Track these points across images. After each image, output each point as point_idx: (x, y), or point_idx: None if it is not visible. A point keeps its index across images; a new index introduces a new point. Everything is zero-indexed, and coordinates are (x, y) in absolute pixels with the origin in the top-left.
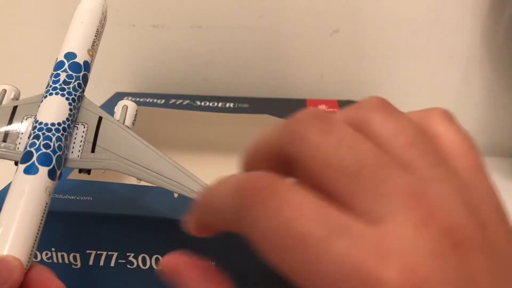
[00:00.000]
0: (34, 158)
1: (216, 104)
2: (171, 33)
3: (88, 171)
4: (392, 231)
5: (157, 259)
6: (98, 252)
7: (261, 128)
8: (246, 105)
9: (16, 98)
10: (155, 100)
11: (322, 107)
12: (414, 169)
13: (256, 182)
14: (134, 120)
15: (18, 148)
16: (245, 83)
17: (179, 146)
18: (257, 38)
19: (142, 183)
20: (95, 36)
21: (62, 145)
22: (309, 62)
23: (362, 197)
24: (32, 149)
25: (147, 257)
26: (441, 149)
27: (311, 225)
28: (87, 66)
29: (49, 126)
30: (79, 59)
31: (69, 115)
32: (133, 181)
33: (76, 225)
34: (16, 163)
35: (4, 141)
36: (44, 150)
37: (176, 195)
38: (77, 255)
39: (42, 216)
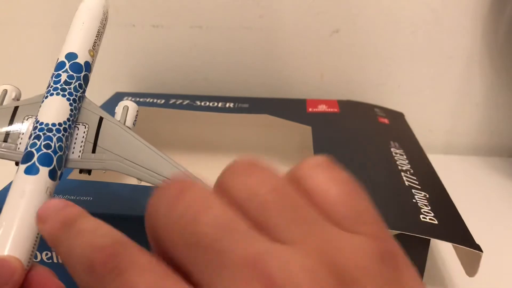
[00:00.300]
0: (35, 159)
1: (216, 104)
2: (171, 33)
3: (89, 172)
4: None
5: None
6: None
7: (261, 128)
8: (246, 105)
9: (17, 98)
10: (155, 100)
11: (322, 107)
12: (269, 230)
13: (106, 258)
14: (135, 120)
15: (18, 148)
16: (245, 83)
17: (179, 146)
18: (257, 38)
19: (143, 183)
20: (96, 36)
21: (63, 145)
22: (309, 62)
23: (201, 271)
24: (33, 150)
25: None
26: (310, 203)
27: None
28: (88, 66)
29: (50, 126)
30: (80, 60)
31: (70, 115)
32: (133, 181)
33: None
34: (16, 163)
35: (5, 141)
36: (45, 150)
37: None
38: None
39: None
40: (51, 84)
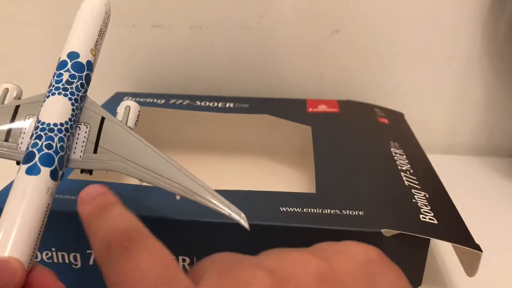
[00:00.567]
0: (36, 159)
1: (216, 104)
2: (171, 33)
3: (90, 172)
4: None
5: None
6: None
7: (261, 128)
8: (246, 105)
9: (18, 97)
10: (155, 100)
11: (322, 107)
12: None
13: (122, 240)
14: (137, 120)
15: (20, 148)
16: (245, 83)
17: (179, 146)
18: (257, 38)
19: (144, 183)
20: (98, 35)
21: (65, 145)
22: (309, 62)
23: None
24: (34, 150)
25: None
26: None
27: None
28: (90, 65)
29: (52, 126)
30: (82, 59)
31: (72, 115)
32: (134, 181)
33: (76, 225)
34: (17, 163)
35: (6, 140)
36: (46, 150)
37: (178, 198)
38: (77, 255)
39: (44, 217)
40: (53, 83)
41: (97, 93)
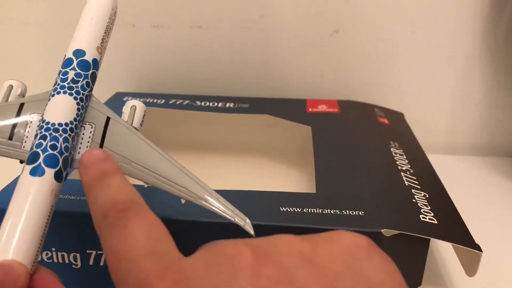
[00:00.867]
0: (41, 160)
1: (216, 104)
2: (171, 33)
3: None
4: None
5: None
6: (98, 252)
7: (261, 128)
8: (246, 105)
9: (23, 94)
10: (155, 100)
11: (322, 107)
12: None
13: (119, 210)
14: (142, 121)
15: (24, 147)
16: (245, 83)
17: (179, 146)
18: (257, 38)
19: (148, 185)
20: (105, 33)
21: (69, 146)
22: (309, 62)
23: None
24: (39, 150)
25: None
26: None
27: None
28: (96, 64)
29: (56, 126)
30: (88, 57)
31: (77, 115)
32: (136, 182)
33: (76, 225)
34: (21, 161)
35: (10, 139)
36: (50, 151)
37: (183, 201)
38: (77, 255)
39: (48, 219)
40: (58, 81)
41: (97, 93)
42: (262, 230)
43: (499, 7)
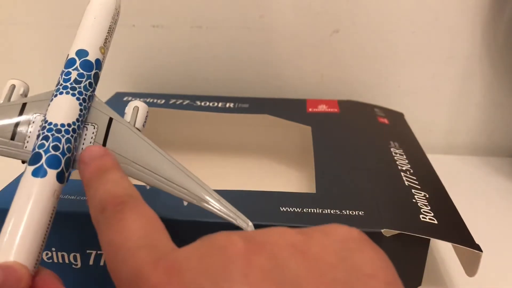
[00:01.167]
0: (43, 160)
1: (216, 104)
2: (171, 33)
3: None
4: None
5: None
6: (98, 252)
7: (261, 128)
8: (246, 105)
9: (25, 94)
10: (155, 100)
11: (322, 107)
12: None
13: (116, 204)
14: (145, 122)
15: (26, 147)
16: (245, 83)
17: (179, 146)
18: (257, 38)
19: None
20: (108, 33)
21: (72, 146)
22: (309, 62)
23: None
24: (41, 151)
25: None
26: None
27: None
28: (98, 64)
29: (59, 127)
30: (91, 57)
31: (79, 115)
32: (135, 181)
33: (76, 225)
34: (23, 162)
35: (12, 139)
36: (53, 152)
37: (185, 203)
38: (77, 255)
39: (50, 220)
40: (61, 82)
41: (97, 93)
42: None
43: (499, 7)
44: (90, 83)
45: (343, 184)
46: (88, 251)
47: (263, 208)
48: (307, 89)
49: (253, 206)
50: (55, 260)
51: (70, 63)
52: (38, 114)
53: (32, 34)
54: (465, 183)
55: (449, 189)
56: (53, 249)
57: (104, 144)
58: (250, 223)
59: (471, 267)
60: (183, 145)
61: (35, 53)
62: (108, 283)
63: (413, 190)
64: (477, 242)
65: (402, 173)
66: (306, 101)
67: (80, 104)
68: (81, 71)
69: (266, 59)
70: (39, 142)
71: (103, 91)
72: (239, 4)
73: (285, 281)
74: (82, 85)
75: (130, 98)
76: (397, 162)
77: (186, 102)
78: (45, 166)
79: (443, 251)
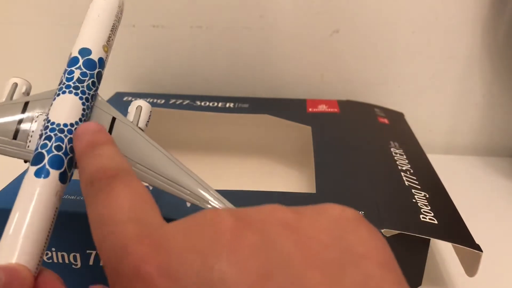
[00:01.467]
0: (46, 161)
1: (216, 104)
2: (171, 33)
3: None
4: None
5: None
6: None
7: (261, 128)
8: (246, 105)
9: (28, 92)
10: (155, 100)
11: (322, 107)
12: None
13: (105, 177)
14: (148, 121)
15: (28, 147)
16: (245, 83)
17: (179, 146)
18: (257, 38)
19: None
20: (111, 31)
21: None
22: (309, 62)
23: None
24: (44, 151)
25: None
26: None
27: None
28: (102, 63)
29: (62, 127)
30: (94, 56)
31: (82, 115)
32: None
33: (76, 225)
34: (25, 161)
35: (14, 138)
36: (55, 152)
37: (188, 205)
38: (77, 255)
39: (52, 221)
40: (64, 81)
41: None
42: None
43: (499, 7)
44: (93, 82)
45: (343, 184)
46: (88, 251)
47: None
48: (307, 89)
49: (253, 206)
50: (55, 260)
51: (73, 61)
52: (41, 113)
53: (32, 34)
54: (465, 183)
55: (449, 189)
56: (53, 249)
57: None
58: None
59: (471, 267)
60: (183, 145)
61: (35, 53)
62: (108, 283)
63: (413, 190)
64: (477, 242)
65: (402, 173)
66: (306, 101)
67: (83, 104)
68: (84, 70)
69: (266, 59)
70: (41, 142)
71: (103, 91)
72: (239, 4)
73: (274, 259)
74: (85, 84)
75: (130, 98)
76: (397, 162)
77: (186, 102)
78: (47, 166)
79: (443, 251)
